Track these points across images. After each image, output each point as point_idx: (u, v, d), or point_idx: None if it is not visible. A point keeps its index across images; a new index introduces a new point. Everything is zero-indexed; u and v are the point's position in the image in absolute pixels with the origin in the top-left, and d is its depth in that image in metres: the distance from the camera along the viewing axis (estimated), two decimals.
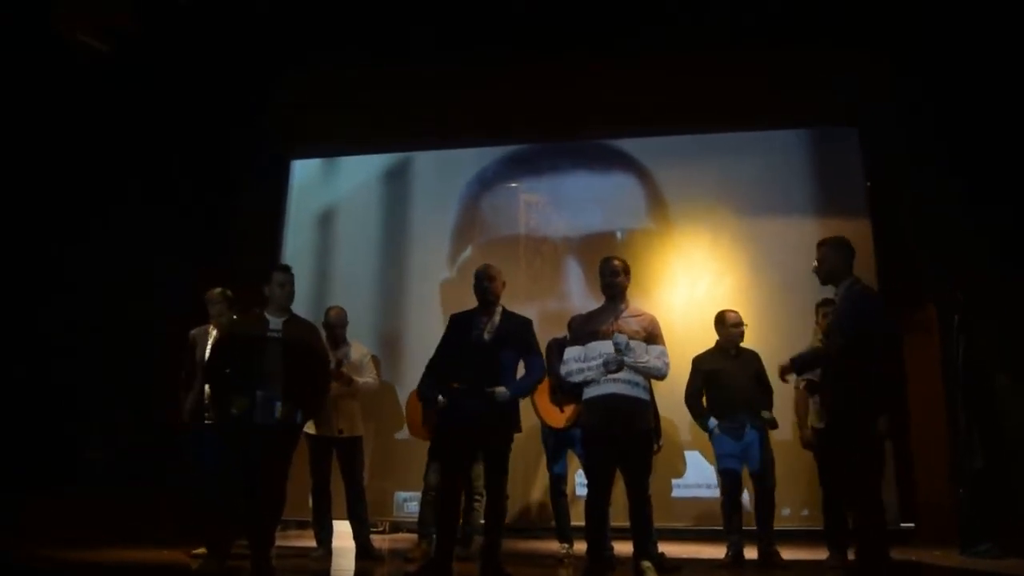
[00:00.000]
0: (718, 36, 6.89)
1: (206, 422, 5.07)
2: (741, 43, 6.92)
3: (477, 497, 5.26)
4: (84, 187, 6.62)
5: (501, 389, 4.22)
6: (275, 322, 4.58)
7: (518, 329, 4.44)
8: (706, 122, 7.46)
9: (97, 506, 5.73)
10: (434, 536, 4.52)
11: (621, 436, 4.11)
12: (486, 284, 4.44)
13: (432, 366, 4.52)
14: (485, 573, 4.20)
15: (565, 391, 4.94)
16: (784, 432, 5.58)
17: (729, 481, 5.19)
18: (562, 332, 5.29)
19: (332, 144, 8.40)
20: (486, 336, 4.36)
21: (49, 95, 6.31)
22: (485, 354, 4.32)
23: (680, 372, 5.37)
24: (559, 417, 5.30)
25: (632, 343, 4.17)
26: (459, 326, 4.48)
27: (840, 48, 6.87)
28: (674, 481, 6.80)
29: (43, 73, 6.21)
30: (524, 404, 4.56)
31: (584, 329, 4.35)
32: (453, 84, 7.69)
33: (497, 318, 4.42)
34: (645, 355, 4.20)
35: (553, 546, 5.40)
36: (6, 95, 6.03)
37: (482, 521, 4.71)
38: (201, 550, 5.00)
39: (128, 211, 6.81)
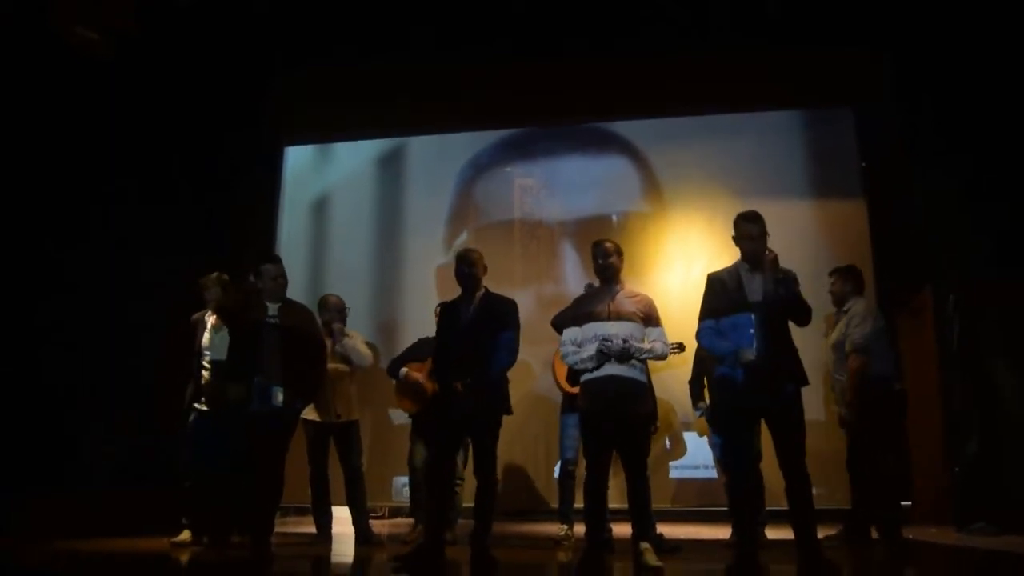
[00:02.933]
0: (714, 39, 6.90)
1: (203, 408, 5.06)
2: (737, 46, 6.93)
3: (458, 481, 5.25)
4: (81, 180, 6.57)
5: (458, 387, 4.24)
6: (271, 308, 4.57)
7: (500, 309, 4.45)
8: (701, 104, 7.45)
9: (96, 508, 5.72)
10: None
11: (619, 418, 4.11)
12: (467, 270, 4.46)
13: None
14: (475, 557, 4.21)
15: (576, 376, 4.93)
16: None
17: (723, 468, 5.22)
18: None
19: (326, 130, 8.37)
20: (468, 320, 4.40)
21: (48, 97, 6.27)
22: (471, 338, 4.35)
23: (677, 355, 5.39)
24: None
25: (626, 337, 4.17)
26: (446, 314, 4.55)
27: (836, 49, 6.89)
28: (672, 462, 6.83)
29: (41, 74, 6.17)
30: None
31: (581, 310, 4.34)
32: (448, 69, 7.67)
33: (478, 302, 4.44)
34: (642, 342, 4.20)
35: (552, 528, 5.41)
36: (5, 96, 5.99)
37: (466, 504, 4.71)
38: (183, 537, 4.99)
39: (127, 214, 6.78)
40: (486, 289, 4.51)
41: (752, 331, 3.97)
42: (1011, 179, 5.65)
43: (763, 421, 4.08)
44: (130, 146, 6.82)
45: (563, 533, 5.19)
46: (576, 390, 4.54)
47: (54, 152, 6.42)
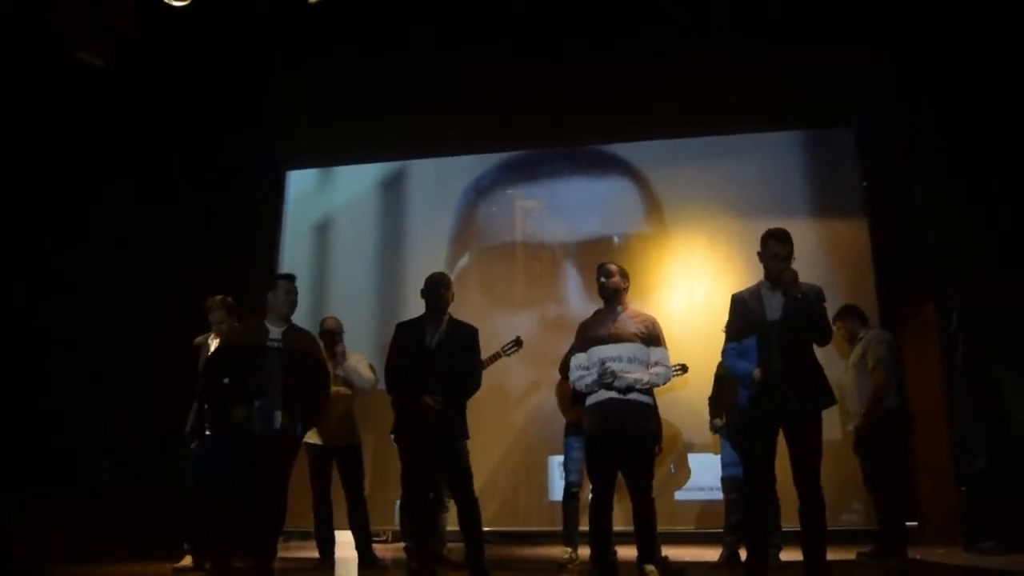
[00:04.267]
0: (714, 39, 6.91)
1: (206, 433, 5.04)
2: (737, 46, 6.95)
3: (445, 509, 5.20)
4: (81, 180, 6.60)
5: (429, 400, 4.21)
6: (275, 332, 4.55)
7: (468, 338, 4.46)
8: (702, 125, 7.48)
9: (96, 508, 5.70)
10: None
11: (623, 440, 4.10)
12: (441, 291, 4.46)
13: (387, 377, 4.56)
14: None
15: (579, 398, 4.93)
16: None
17: (727, 488, 5.21)
18: (567, 337, 5.23)
19: (328, 154, 8.40)
20: (435, 344, 4.38)
21: (49, 97, 6.30)
22: (438, 361, 4.33)
23: (680, 376, 5.39)
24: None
25: (624, 364, 4.17)
26: (407, 334, 4.50)
27: (836, 49, 6.90)
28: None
29: (42, 75, 6.20)
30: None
31: (586, 335, 4.36)
32: (449, 90, 7.70)
33: (445, 326, 4.44)
34: (645, 365, 4.20)
35: (556, 552, 5.38)
36: (5, 97, 6.02)
37: (449, 528, 4.68)
38: (185, 562, 4.95)
39: (127, 214, 6.80)
40: (451, 315, 4.51)
41: (770, 350, 3.94)
42: (1011, 179, 5.65)
43: (782, 443, 4.02)
44: (130, 146, 6.83)
45: (567, 556, 5.16)
46: (577, 414, 4.53)
47: (54, 152, 6.44)
